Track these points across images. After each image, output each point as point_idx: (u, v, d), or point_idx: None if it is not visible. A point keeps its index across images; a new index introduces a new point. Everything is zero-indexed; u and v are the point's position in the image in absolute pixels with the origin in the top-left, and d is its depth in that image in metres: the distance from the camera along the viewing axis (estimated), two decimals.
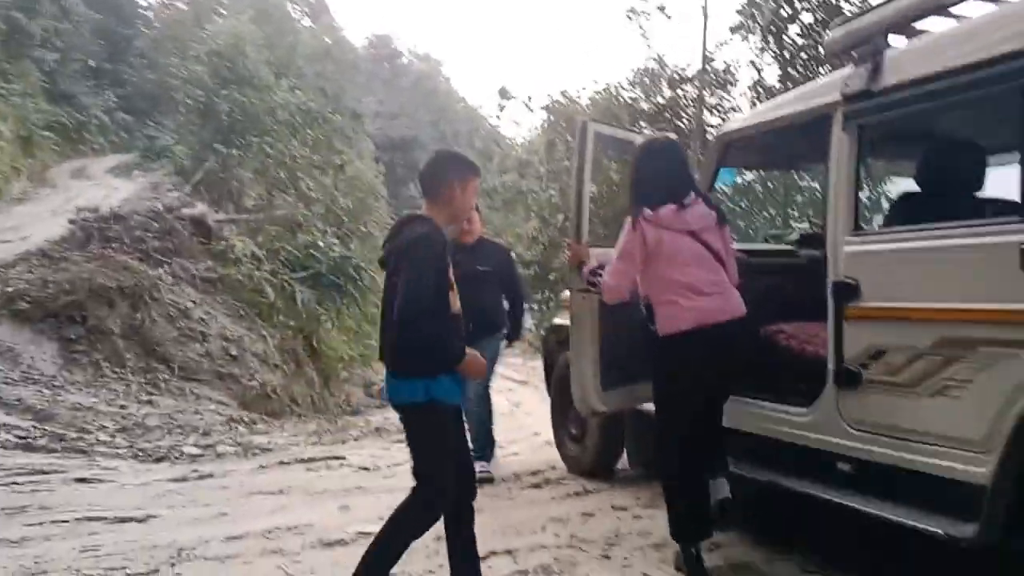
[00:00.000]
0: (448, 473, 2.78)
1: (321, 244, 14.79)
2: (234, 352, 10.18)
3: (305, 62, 23.68)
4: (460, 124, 43.60)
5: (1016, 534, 2.44)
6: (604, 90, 14.83)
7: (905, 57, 2.99)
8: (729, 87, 12.85)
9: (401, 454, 6.16)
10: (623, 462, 4.99)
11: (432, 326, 2.62)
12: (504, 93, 17.69)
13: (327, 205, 17.47)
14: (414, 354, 2.66)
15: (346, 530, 3.96)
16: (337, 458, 6.06)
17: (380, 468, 5.60)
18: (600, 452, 4.82)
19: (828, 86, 3.36)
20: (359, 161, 24.26)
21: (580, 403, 3.88)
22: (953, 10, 2.99)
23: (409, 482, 2.70)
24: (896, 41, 3.10)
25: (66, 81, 22.04)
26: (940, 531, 2.58)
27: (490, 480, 4.83)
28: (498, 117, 32.00)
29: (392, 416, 8.85)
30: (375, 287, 17.49)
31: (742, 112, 11.24)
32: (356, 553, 3.61)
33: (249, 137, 15.60)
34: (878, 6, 3.10)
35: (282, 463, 5.91)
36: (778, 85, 10.98)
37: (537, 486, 4.80)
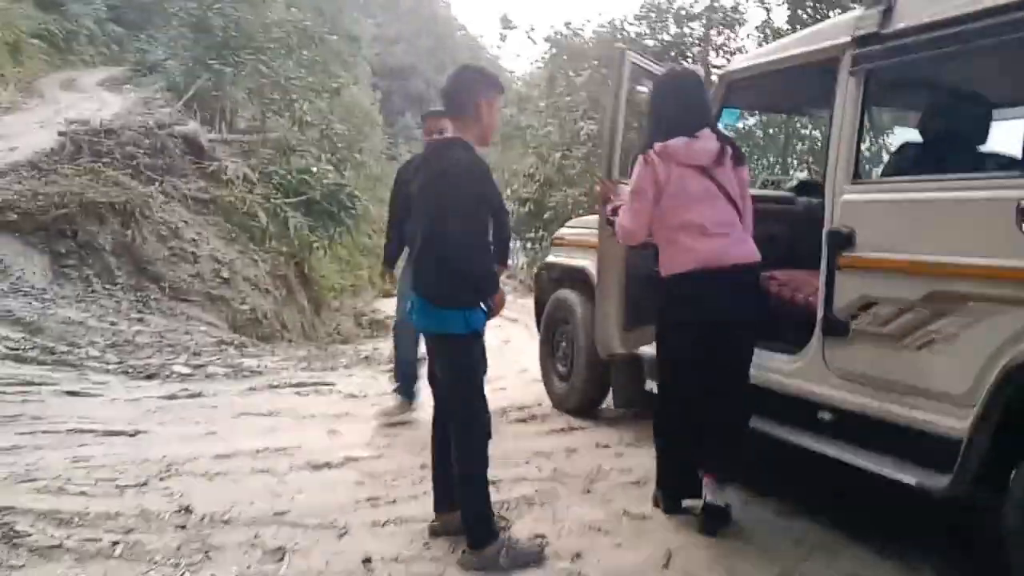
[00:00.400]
0: (482, 397, 2.80)
1: (315, 170, 14.59)
2: (225, 275, 10.16)
3: None
4: (460, 53, 42.67)
5: (984, 486, 2.49)
6: (609, 23, 14.51)
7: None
8: (737, 27, 12.60)
9: (390, 383, 6.22)
10: (608, 401, 5.05)
11: (483, 259, 2.64)
12: (506, 22, 17.26)
13: (322, 130, 17.18)
14: (462, 287, 2.64)
15: (334, 454, 4.02)
16: (326, 384, 6.10)
17: (368, 396, 5.65)
18: (586, 391, 4.85)
19: (838, 28, 3.25)
20: (355, 87, 23.76)
21: (600, 343, 3.81)
22: None
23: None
24: None
25: None
26: (914, 482, 2.63)
27: None
28: (499, 47, 31.48)
29: (381, 346, 8.93)
30: (368, 217, 17.36)
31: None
32: (343, 476, 3.71)
33: (243, 55, 15.20)
34: None
35: (272, 386, 5.95)
36: (787, 27, 10.75)
37: (523, 421, 4.86)
